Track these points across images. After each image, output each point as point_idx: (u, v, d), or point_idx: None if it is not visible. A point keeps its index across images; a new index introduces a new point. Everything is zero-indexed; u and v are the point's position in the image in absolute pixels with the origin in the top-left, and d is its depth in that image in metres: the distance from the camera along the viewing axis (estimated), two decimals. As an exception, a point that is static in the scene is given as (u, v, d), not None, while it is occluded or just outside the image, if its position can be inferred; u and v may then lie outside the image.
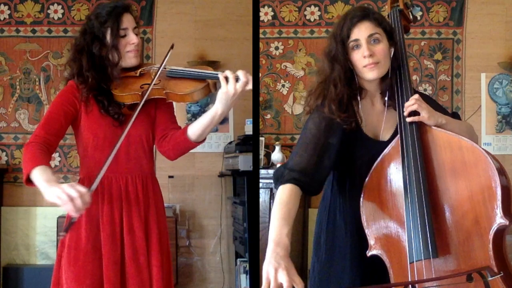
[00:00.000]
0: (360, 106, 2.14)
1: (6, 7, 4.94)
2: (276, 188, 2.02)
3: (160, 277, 2.34)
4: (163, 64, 2.33)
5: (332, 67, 2.10)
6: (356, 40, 2.07)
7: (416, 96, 2.09)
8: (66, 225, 2.16)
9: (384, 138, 2.15)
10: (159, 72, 2.31)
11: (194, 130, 2.32)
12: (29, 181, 2.12)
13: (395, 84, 2.15)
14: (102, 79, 2.33)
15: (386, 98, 2.16)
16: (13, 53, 4.94)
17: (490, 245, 1.90)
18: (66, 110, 2.32)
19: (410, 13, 2.37)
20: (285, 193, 1.97)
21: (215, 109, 2.27)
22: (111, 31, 2.31)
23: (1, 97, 4.93)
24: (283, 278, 1.68)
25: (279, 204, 1.95)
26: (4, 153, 4.87)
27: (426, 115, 2.06)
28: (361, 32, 2.07)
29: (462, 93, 4.86)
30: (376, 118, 2.17)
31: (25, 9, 4.95)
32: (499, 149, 4.82)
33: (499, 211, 1.90)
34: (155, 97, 2.32)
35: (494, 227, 1.90)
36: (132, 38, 2.36)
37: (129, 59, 2.37)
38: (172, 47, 2.39)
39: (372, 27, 2.08)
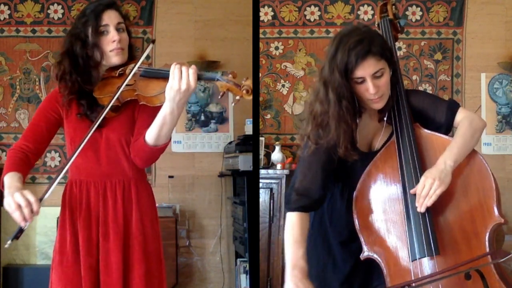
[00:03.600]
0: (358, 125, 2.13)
1: (6, 7, 4.94)
2: (286, 211, 2.11)
3: (143, 285, 2.24)
4: (138, 64, 2.20)
5: (339, 105, 2.02)
6: (361, 77, 2.01)
7: (426, 186, 1.97)
8: (14, 233, 2.09)
9: (378, 148, 2.17)
10: (132, 72, 2.19)
11: (149, 133, 2.17)
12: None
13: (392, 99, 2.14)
14: (84, 81, 2.25)
15: (385, 119, 2.15)
16: (13, 53, 4.95)
17: (487, 243, 1.94)
18: (48, 116, 2.30)
19: (398, 23, 2.41)
20: (295, 217, 2.08)
21: (164, 108, 2.12)
22: (92, 29, 2.23)
23: (1, 97, 4.93)
24: None
25: (291, 228, 2.06)
26: (4, 153, 4.87)
27: (443, 186, 1.96)
28: (366, 71, 1.99)
29: (462, 93, 4.86)
30: (370, 130, 2.18)
31: (25, 9, 4.95)
32: (499, 149, 4.82)
33: (494, 210, 1.96)
34: (129, 99, 2.22)
35: (490, 225, 1.96)
36: (113, 36, 2.24)
37: (112, 58, 2.26)
38: (153, 42, 2.31)
39: (376, 63, 2.00)
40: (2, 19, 4.94)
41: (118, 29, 2.26)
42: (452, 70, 4.87)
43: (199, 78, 2.14)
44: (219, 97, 2.14)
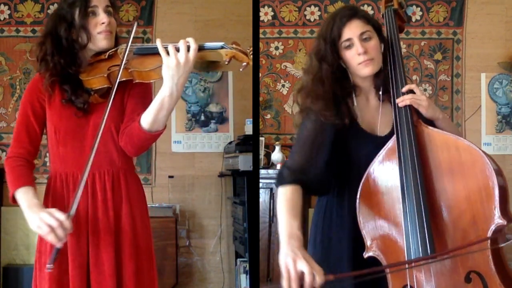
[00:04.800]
0: (355, 103, 2.16)
1: (6, 7, 4.94)
2: (277, 187, 2.03)
3: (133, 283, 2.14)
4: (130, 42, 2.10)
5: (320, 66, 2.11)
6: (349, 39, 2.09)
7: (413, 85, 2.12)
8: (52, 255, 1.99)
9: (382, 134, 2.17)
10: (127, 51, 2.09)
11: (145, 117, 2.05)
12: (15, 200, 2.11)
13: (389, 80, 2.15)
14: (69, 64, 2.13)
15: (380, 93, 2.17)
16: (13, 53, 4.95)
17: (488, 245, 1.90)
18: (35, 109, 2.18)
19: (404, 13, 2.39)
20: (288, 191, 1.99)
21: (162, 91, 2.02)
22: (79, 10, 2.12)
23: (1, 97, 4.93)
24: (303, 266, 1.69)
25: (284, 201, 1.96)
26: (4, 153, 4.88)
27: (425, 106, 2.08)
28: (352, 31, 2.08)
29: (462, 93, 4.86)
30: (372, 113, 2.19)
31: (25, 9, 4.95)
32: (499, 149, 4.82)
33: (497, 211, 1.90)
34: (123, 79, 2.10)
35: (492, 227, 1.91)
36: (102, 18, 2.13)
37: (100, 41, 2.15)
38: (136, 22, 2.25)
39: (363, 25, 2.10)
40: (2, 19, 4.94)
41: (107, 12, 2.17)
42: (452, 70, 4.87)
43: (201, 49, 2.10)
44: (226, 63, 2.11)
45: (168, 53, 2.03)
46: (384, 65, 2.15)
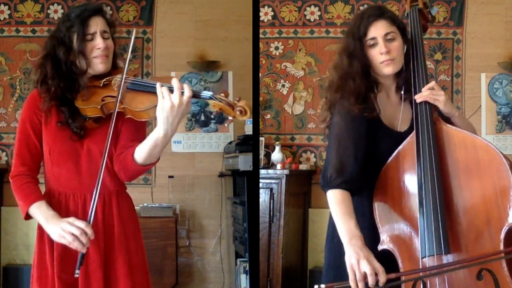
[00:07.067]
0: (377, 98, 2.22)
1: (6, 7, 4.94)
2: (325, 191, 2.11)
3: None
4: (124, 76, 2.11)
5: (350, 63, 2.20)
6: (373, 38, 2.18)
7: (433, 83, 2.18)
8: (78, 261, 2.05)
9: (401, 130, 2.21)
10: (121, 86, 2.10)
11: (139, 153, 2.10)
12: (28, 217, 2.17)
13: (411, 79, 2.21)
14: (67, 88, 2.16)
15: (402, 92, 2.24)
16: (13, 53, 4.95)
17: (501, 245, 1.91)
18: (34, 127, 2.21)
19: (429, 12, 2.41)
20: (338, 194, 2.08)
21: (157, 130, 2.03)
22: (77, 35, 2.14)
23: (1, 97, 4.93)
24: (365, 267, 1.86)
25: (337, 204, 2.06)
26: (4, 153, 4.87)
27: (443, 101, 2.14)
28: (378, 30, 2.17)
29: (462, 93, 4.86)
30: (393, 110, 2.25)
31: (25, 9, 4.95)
32: (499, 149, 4.81)
33: (510, 211, 1.91)
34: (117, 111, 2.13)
35: (506, 226, 1.92)
36: (99, 43, 2.15)
37: (96, 65, 2.17)
38: (133, 34, 2.22)
39: (388, 25, 2.19)
40: (2, 19, 4.94)
41: (103, 37, 2.17)
42: (452, 70, 4.87)
43: (193, 96, 2.07)
44: (213, 115, 2.16)
45: (163, 95, 2.01)
46: (407, 64, 2.22)
